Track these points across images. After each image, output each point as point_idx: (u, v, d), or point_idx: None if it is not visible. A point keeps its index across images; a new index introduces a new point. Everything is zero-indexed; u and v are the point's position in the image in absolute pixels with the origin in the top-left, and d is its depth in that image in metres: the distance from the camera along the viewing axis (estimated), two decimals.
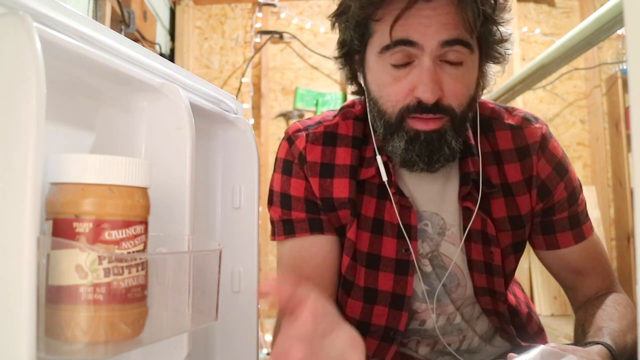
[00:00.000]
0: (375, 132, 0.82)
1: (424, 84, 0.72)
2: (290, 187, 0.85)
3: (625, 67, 2.83)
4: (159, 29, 2.75)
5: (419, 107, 0.73)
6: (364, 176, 0.83)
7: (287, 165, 0.86)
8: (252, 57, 3.03)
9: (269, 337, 2.04)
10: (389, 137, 0.78)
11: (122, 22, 2.12)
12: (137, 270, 0.42)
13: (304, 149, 0.84)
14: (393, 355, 0.85)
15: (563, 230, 0.85)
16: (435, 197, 0.84)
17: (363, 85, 0.82)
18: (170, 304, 0.50)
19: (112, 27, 1.99)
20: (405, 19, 0.71)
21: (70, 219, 0.39)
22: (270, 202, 0.87)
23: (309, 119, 0.90)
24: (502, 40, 0.78)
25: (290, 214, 0.84)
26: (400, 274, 0.83)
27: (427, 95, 0.71)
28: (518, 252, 0.86)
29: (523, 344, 0.91)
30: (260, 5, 3.06)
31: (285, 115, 3.00)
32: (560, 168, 0.84)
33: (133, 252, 0.41)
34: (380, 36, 0.74)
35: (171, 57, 2.93)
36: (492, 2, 0.74)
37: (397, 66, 0.74)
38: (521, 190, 0.83)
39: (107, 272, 0.39)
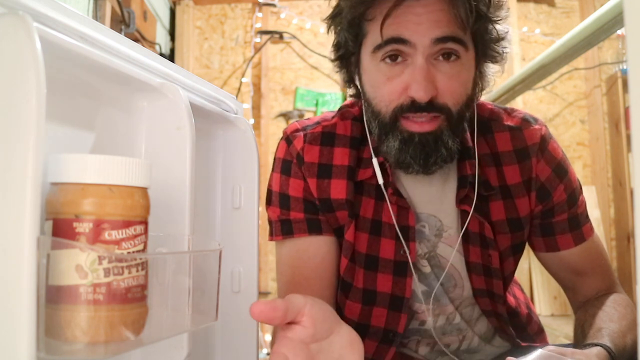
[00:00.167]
0: (371, 133, 0.81)
1: (417, 83, 0.71)
2: (289, 187, 0.84)
3: (625, 67, 2.83)
4: (159, 29, 2.75)
5: (413, 106, 0.72)
6: (362, 177, 0.83)
7: (285, 165, 0.86)
8: (252, 57, 3.03)
9: (268, 337, 2.04)
10: (383, 137, 0.77)
11: (122, 22, 2.12)
12: (137, 270, 0.42)
13: (302, 149, 0.84)
14: (392, 356, 0.85)
15: (563, 233, 0.84)
16: (432, 198, 0.83)
17: (359, 86, 0.82)
18: (170, 304, 0.50)
19: (112, 27, 1.99)
20: (397, 17, 0.71)
21: (70, 219, 0.39)
22: (269, 202, 0.87)
23: (308, 119, 0.90)
24: (499, 38, 0.77)
25: (289, 214, 0.84)
26: (399, 275, 0.82)
27: (420, 94, 0.71)
28: (517, 254, 0.86)
29: (523, 344, 0.91)
30: (260, 5, 3.06)
31: (285, 115, 3.00)
32: (560, 170, 0.83)
33: (133, 252, 0.41)
34: (372, 36, 0.74)
35: (171, 57, 2.93)
36: (487, 0, 0.73)
37: (390, 65, 0.74)
38: (520, 193, 0.82)
39: (107, 272, 0.39)
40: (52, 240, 0.39)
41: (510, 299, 0.91)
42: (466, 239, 0.82)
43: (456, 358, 0.90)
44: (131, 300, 0.41)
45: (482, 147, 0.83)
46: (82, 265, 0.38)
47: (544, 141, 0.83)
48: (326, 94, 2.96)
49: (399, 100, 0.74)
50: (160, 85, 0.55)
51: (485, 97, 2.01)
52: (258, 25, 3.06)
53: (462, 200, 0.81)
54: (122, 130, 0.56)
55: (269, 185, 0.88)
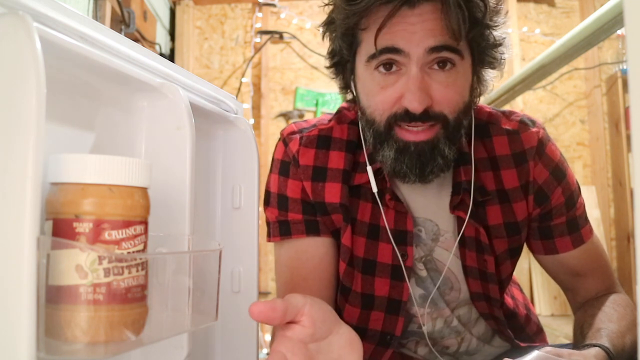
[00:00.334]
0: (366, 140, 0.81)
1: (410, 92, 0.70)
2: (287, 188, 0.84)
3: (625, 67, 2.83)
4: (159, 29, 2.75)
5: (407, 116, 0.72)
6: (359, 181, 0.82)
7: (283, 167, 0.85)
8: (252, 57, 3.03)
9: (268, 337, 2.04)
10: (378, 146, 0.76)
11: (122, 22, 2.12)
12: (137, 270, 0.42)
13: (297, 152, 0.84)
14: (389, 358, 0.85)
15: (561, 236, 0.84)
16: (428, 203, 0.83)
17: (354, 93, 0.81)
18: (170, 304, 0.50)
19: (112, 27, 1.99)
20: (391, 26, 0.70)
21: (70, 219, 0.39)
22: (267, 203, 0.86)
23: (305, 121, 0.90)
24: (496, 44, 0.76)
25: (287, 215, 0.84)
26: (396, 279, 0.82)
27: (414, 105, 0.70)
28: (515, 257, 0.86)
29: (522, 344, 0.91)
30: (260, 5, 3.06)
31: (285, 115, 3.00)
32: (558, 172, 0.83)
33: (133, 252, 0.41)
34: (366, 45, 0.74)
35: (171, 57, 2.93)
36: (482, 6, 0.72)
37: (384, 74, 0.73)
38: (517, 197, 0.82)
39: (107, 272, 0.39)
40: (52, 240, 0.39)
41: (509, 301, 0.91)
42: (462, 244, 0.82)
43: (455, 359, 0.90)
44: (131, 300, 0.41)
45: (480, 151, 0.83)
46: (82, 265, 0.38)
47: (542, 144, 0.83)
48: (326, 94, 2.95)
49: (392, 109, 0.73)
50: (160, 85, 0.55)
51: (485, 98, 2.01)
52: (258, 25, 3.06)
53: (456, 206, 0.80)
54: (122, 130, 0.56)
55: (267, 187, 0.87)
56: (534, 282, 2.74)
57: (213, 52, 3.08)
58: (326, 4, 0.79)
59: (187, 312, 0.50)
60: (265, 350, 1.89)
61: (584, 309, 0.83)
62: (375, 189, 0.80)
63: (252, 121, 2.97)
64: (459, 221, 0.81)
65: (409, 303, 0.84)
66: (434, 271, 0.84)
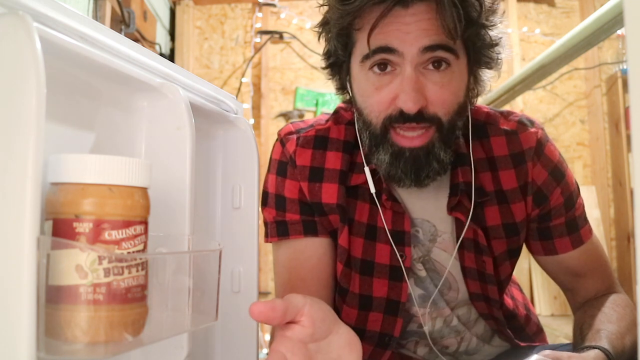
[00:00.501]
0: (362, 141, 0.80)
1: (405, 93, 0.70)
2: (285, 188, 0.84)
3: (625, 67, 2.83)
4: (159, 29, 2.75)
5: (402, 117, 0.71)
6: (356, 182, 0.82)
7: (281, 167, 0.85)
8: (252, 57, 3.03)
9: (268, 337, 2.04)
10: (374, 149, 0.76)
11: (122, 22, 2.12)
12: (137, 270, 0.42)
13: (294, 152, 0.83)
14: (388, 359, 0.85)
15: (560, 236, 0.84)
16: (426, 204, 0.83)
17: (350, 94, 0.81)
18: (170, 304, 0.50)
19: (112, 27, 1.99)
20: (384, 26, 0.70)
21: (70, 219, 0.39)
22: (264, 203, 0.86)
23: (303, 121, 0.89)
24: (492, 44, 0.76)
25: (285, 215, 0.83)
26: (395, 280, 0.82)
27: (408, 105, 0.69)
28: (514, 258, 0.85)
29: (522, 344, 0.91)
30: (260, 5, 3.06)
31: (285, 115, 3.00)
32: (557, 173, 0.82)
33: (133, 252, 0.41)
34: (361, 45, 0.73)
35: (171, 57, 2.93)
36: (478, 6, 0.71)
37: (378, 75, 0.72)
38: (516, 198, 0.81)
39: (107, 272, 0.39)
40: (52, 240, 0.39)
41: (508, 301, 0.91)
42: (461, 245, 0.82)
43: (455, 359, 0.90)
44: (131, 300, 0.41)
45: (478, 152, 0.82)
46: (82, 265, 0.38)
47: (540, 145, 0.82)
48: (326, 94, 2.95)
49: (387, 110, 0.73)
50: (160, 85, 0.55)
51: (485, 98, 2.01)
52: (258, 25, 3.06)
53: (453, 207, 0.80)
54: (122, 130, 0.56)
55: (265, 187, 0.87)
56: (534, 282, 2.74)
57: (213, 52, 3.08)
58: (321, 5, 0.78)
59: (187, 312, 0.50)
60: (265, 350, 1.89)
61: (583, 310, 0.83)
62: (373, 190, 0.79)
63: (252, 121, 2.97)
64: (457, 222, 0.81)
65: (409, 303, 0.84)
66: (432, 271, 0.84)
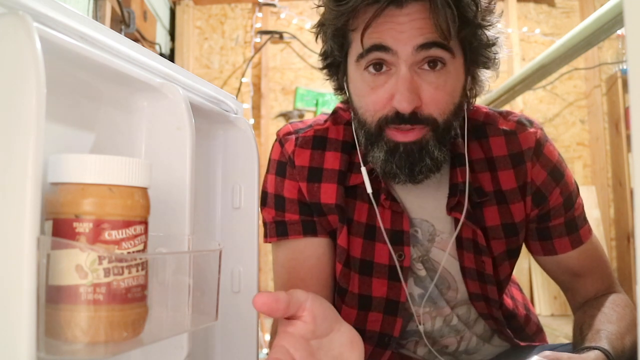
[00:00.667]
0: (359, 141, 0.81)
1: (399, 93, 0.70)
2: (284, 188, 0.84)
3: (625, 67, 2.83)
4: (159, 29, 2.75)
5: (397, 118, 0.71)
6: (355, 182, 0.82)
7: (280, 167, 0.85)
8: (252, 57, 3.03)
9: (268, 337, 2.04)
10: (369, 147, 0.76)
11: (122, 22, 2.12)
12: (137, 270, 0.42)
13: (293, 152, 0.84)
14: (387, 359, 0.85)
15: (560, 237, 0.84)
16: (425, 204, 0.83)
17: (347, 95, 0.81)
18: (170, 304, 0.50)
19: (112, 27, 1.99)
20: (378, 25, 0.70)
21: (70, 219, 0.39)
22: (264, 204, 0.86)
23: (301, 121, 0.89)
24: (489, 44, 0.75)
25: (284, 215, 0.83)
26: (394, 279, 0.82)
27: (403, 105, 0.69)
28: (513, 258, 0.85)
29: (522, 344, 0.91)
30: (260, 5, 3.06)
31: (285, 115, 3.00)
32: (556, 173, 0.82)
33: (133, 252, 0.41)
34: (356, 45, 0.73)
35: (171, 57, 2.93)
36: (473, 5, 0.71)
37: (374, 75, 0.73)
38: (515, 198, 0.81)
39: (107, 272, 0.39)
40: (52, 240, 0.39)
41: (508, 301, 0.91)
42: (460, 245, 0.82)
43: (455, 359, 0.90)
44: (131, 300, 0.41)
45: (477, 152, 0.82)
46: (82, 265, 0.38)
47: (540, 145, 0.82)
48: (326, 94, 2.96)
49: (383, 110, 0.73)
50: (160, 85, 0.55)
51: (485, 98, 2.01)
52: (258, 25, 3.06)
53: (453, 208, 0.80)
54: (122, 130, 0.56)
55: (264, 187, 0.87)
56: (534, 282, 2.74)
57: (213, 52, 3.08)
58: (318, 6, 0.78)
59: (187, 312, 0.50)
60: (265, 350, 1.89)
61: (583, 310, 0.83)
62: (369, 190, 0.79)
63: (252, 121, 2.97)
64: (457, 222, 0.81)
65: (408, 303, 0.84)
66: (432, 271, 0.84)
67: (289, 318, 0.48)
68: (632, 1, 0.29)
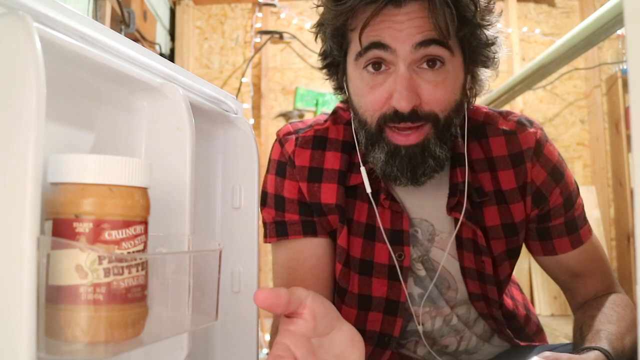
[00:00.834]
0: (359, 141, 0.80)
1: (398, 92, 0.70)
2: (284, 189, 0.84)
3: (625, 67, 2.83)
4: (159, 29, 2.75)
5: (396, 116, 0.71)
6: (355, 182, 0.82)
7: (280, 167, 0.85)
8: (252, 57, 3.03)
9: (268, 337, 2.04)
10: (370, 147, 0.76)
11: (122, 22, 2.12)
12: (137, 270, 0.42)
13: (293, 152, 0.83)
14: (387, 359, 0.85)
15: (560, 237, 0.84)
16: (424, 204, 0.83)
17: (347, 95, 0.81)
18: (170, 304, 0.50)
19: (112, 27, 1.99)
20: (376, 24, 0.70)
21: (70, 219, 0.39)
22: (264, 204, 0.86)
23: (301, 121, 0.89)
24: (488, 43, 0.75)
25: (284, 215, 0.83)
26: (394, 279, 0.82)
27: (402, 104, 0.69)
28: (513, 258, 0.85)
29: (522, 344, 0.91)
30: (260, 5, 3.06)
31: (285, 115, 3.00)
32: (556, 173, 0.82)
33: (133, 252, 0.41)
34: (355, 44, 0.74)
35: (171, 57, 2.93)
36: (472, 5, 0.71)
37: (372, 74, 0.73)
38: (515, 198, 0.81)
39: (107, 272, 0.39)
40: (52, 240, 0.39)
41: (508, 301, 0.91)
42: (460, 245, 0.82)
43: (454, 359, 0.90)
44: (131, 300, 0.41)
45: (477, 152, 0.82)
46: (82, 265, 0.38)
47: (539, 145, 0.82)
48: (326, 94, 2.96)
49: (382, 109, 0.73)
50: (160, 85, 0.55)
51: (485, 98, 2.01)
52: (258, 25, 3.06)
53: (453, 208, 0.80)
54: (122, 130, 0.56)
55: (264, 187, 0.87)
56: (534, 282, 2.74)
57: (213, 52, 3.08)
58: (317, 5, 0.79)
59: (187, 312, 0.50)
60: (265, 350, 1.89)
61: (583, 310, 0.83)
62: (369, 190, 0.79)
63: (252, 121, 2.97)
64: (457, 222, 0.81)
65: (408, 303, 0.84)
66: (431, 271, 0.84)
67: (289, 316, 0.48)
68: (632, 1, 0.29)
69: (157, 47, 2.63)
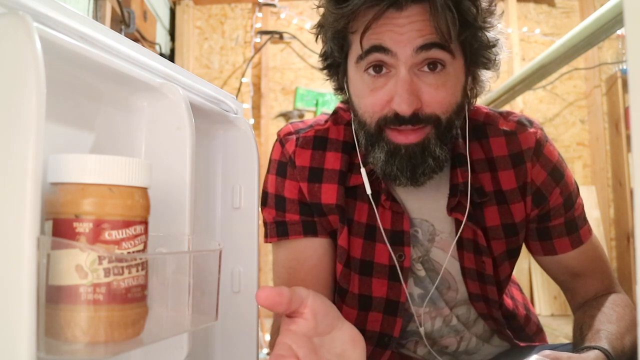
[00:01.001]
0: (359, 142, 0.80)
1: (399, 95, 0.70)
2: (284, 189, 0.84)
3: (625, 67, 2.83)
4: (159, 29, 2.75)
5: (397, 119, 0.71)
6: (355, 182, 0.82)
7: (281, 167, 0.85)
8: (252, 57, 3.03)
9: (268, 337, 2.04)
10: (370, 148, 0.76)
11: (122, 22, 2.12)
12: (137, 270, 0.42)
13: (293, 153, 0.84)
14: (387, 359, 0.85)
15: (560, 237, 0.84)
16: (424, 204, 0.83)
17: (348, 96, 0.81)
18: (170, 304, 0.50)
19: (112, 27, 1.99)
20: (378, 27, 0.70)
21: (70, 219, 0.39)
22: (264, 204, 0.86)
23: (302, 121, 0.89)
24: (489, 45, 0.75)
25: (284, 215, 0.83)
26: (394, 280, 0.82)
27: (402, 107, 0.69)
28: (513, 258, 0.85)
29: (522, 344, 0.91)
30: (260, 5, 3.06)
31: (285, 115, 3.00)
32: (556, 173, 0.82)
33: (133, 252, 0.41)
34: (356, 47, 0.73)
35: (171, 57, 2.93)
36: (473, 8, 0.71)
37: (373, 77, 0.73)
38: (515, 198, 0.81)
39: (107, 272, 0.39)
40: (52, 240, 0.39)
41: (508, 301, 0.91)
42: (460, 245, 0.82)
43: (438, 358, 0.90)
44: (131, 300, 0.41)
45: (477, 153, 0.82)
46: (82, 265, 0.38)
47: (540, 145, 0.82)
48: (326, 94, 2.96)
49: (382, 112, 0.73)
50: (160, 85, 0.55)
51: (485, 98, 2.01)
52: (258, 25, 3.06)
53: (453, 208, 0.80)
54: (122, 130, 0.56)
55: (264, 187, 0.87)
56: (534, 282, 2.74)
57: (213, 52, 3.08)
58: (318, 6, 0.78)
59: (187, 312, 0.50)
60: (265, 350, 1.89)
61: (583, 310, 0.83)
62: (369, 191, 0.79)
63: (252, 121, 2.97)
64: (457, 223, 0.81)
65: (408, 303, 0.84)
66: (431, 271, 0.84)
67: (291, 315, 0.48)
68: (632, 1, 0.29)
69: (157, 47, 2.63)
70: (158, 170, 0.52)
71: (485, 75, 0.80)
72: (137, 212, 0.42)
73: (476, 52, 0.76)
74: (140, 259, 0.42)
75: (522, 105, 2.89)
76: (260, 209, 0.87)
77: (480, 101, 0.86)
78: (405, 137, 0.73)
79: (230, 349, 0.72)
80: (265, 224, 0.86)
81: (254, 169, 0.73)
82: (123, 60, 0.50)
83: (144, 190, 0.43)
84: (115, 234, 0.40)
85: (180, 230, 0.53)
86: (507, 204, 0.81)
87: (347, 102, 0.84)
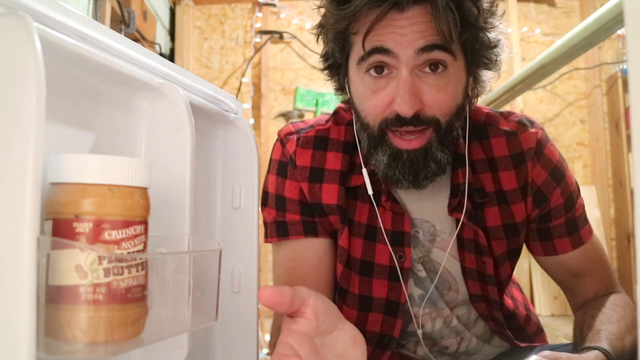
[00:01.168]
0: (361, 142, 0.80)
1: (400, 97, 0.70)
2: (285, 189, 0.84)
3: (625, 67, 2.83)
4: (159, 29, 2.75)
5: (398, 121, 0.71)
6: (356, 183, 0.82)
7: (281, 167, 0.85)
8: (252, 57, 3.03)
9: (268, 337, 2.04)
10: (372, 150, 0.76)
11: (122, 22, 2.12)
12: (137, 270, 0.42)
13: (294, 153, 0.83)
14: (387, 359, 0.85)
15: (560, 237, 0.84)
16: (425, 205, 0.83)
17: (349, 96, 0.81)
18: (170, 304, 0.50)
19: (112, 27, 1.99)
20: (379, 29, 0.70)
21: (70, 219, 0.39)
22: (264, 204, 0.86)
23: (303, 121, 0.89)
24: (491, 46, 0.75)
25: (285, 215, 0.83)
26: (394, 280, 0.82)
27: (404, 109, 0.69)
28: (514, 258, 0.85)
29: (522, 344, 0.91)
30: (260, 5, 3.06)
31: (285, 115, 3.00)
32: (557, 173, 0.82)
33: (133, 252, 0.41)
34: (357, 48, 0.73)
35: (171, 57, 2.93)
36: (475, 9, 0.71)
37: (375, 78, 0.73)
38: (516, 199, 0.81)
39: (107, 272, 0.39)
40: (52, 240, 0.39)
41: (508, 301, 0.91)
42: (461, 246, 0.82)
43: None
44: (131, 300, 0.41)
45: (478, 153, 0.82)
46: (82, 265, 0.38)
47: (540, 145, 0.82)
48: (326, 94, 2.96)
49: (384, 114, 0.72)
50: (160, 85, 0.55)
51: (485, 98, 2.01)
52: (258, 25, 3.06)
53: (454, 208, 0.80)
54: (122, 130, 0.56)
55: (265, 187, 0.87)
56: (534, 282, 2.74)
57: (213, 52, 3.08)
58: (318, 7, 0.78)
59: (187, 312, 0.50)
60: (265, 350, 1.89)
61: (583, 310, 0.83)
62: (370, 192, 0.79)
63: (252, 121, 2.97)
64: (458, 223, 0.81)
65: (408, 304, 0.84)
66: (432, 272, 0.84)
67: (292, 315, 0.48)
68: (632, 1, 0.29)
69: (157, 47, 2.63)
70: (158, 170, 0.52)
71: (486, 75, 0.80)
72: (137, 212, 0.42)
73: (477, 53, 0.76)
74: (140, 259, 0.42)
75: (522, 105, 2.89)
76: (260, 209, 0.87)
77: (480, 101, 0.86)
78: (407, 143, 0.73)
79: (230, 349, 0.72)
80: (265, 224, 0.86)
81: (254, 169, 0.73)
82: (123, 60, 0.50)
83: (143, 190, 0.43)
84: (115, 234, 0.40)
85: (180, 230, 0.53)
86: (508, 204, 0.81)
87: (348, 102, 0.84)
